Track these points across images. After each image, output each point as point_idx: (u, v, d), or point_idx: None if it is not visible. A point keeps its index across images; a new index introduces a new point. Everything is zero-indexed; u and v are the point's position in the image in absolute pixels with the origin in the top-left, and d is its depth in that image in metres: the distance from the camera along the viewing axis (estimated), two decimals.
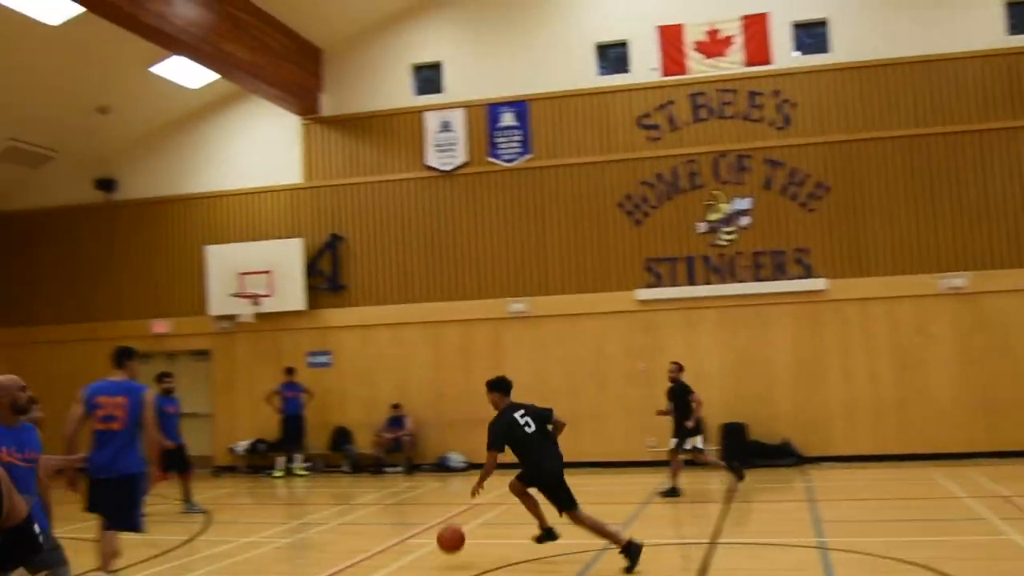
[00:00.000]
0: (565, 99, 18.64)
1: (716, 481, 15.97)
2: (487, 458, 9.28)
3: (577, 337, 18.23)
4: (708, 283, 17.85)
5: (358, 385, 19.22)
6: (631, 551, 8.80)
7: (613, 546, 9.04)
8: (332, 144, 19.70)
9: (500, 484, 11.62)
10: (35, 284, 21.61)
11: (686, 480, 14.50)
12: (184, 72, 18.30)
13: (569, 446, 17.65)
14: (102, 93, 18.58)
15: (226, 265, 19.45)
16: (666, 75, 18.24)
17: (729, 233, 17.84)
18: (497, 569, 9.23)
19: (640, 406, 17.72)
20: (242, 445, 19.51)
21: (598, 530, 9.18)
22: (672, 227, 18.05)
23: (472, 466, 18.21)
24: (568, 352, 18.15)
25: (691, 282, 17.91)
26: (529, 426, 9.51)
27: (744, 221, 17.82)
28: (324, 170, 19.72)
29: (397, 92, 19.43)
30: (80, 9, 14.81)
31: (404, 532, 11.55)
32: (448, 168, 18.97)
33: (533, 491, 9.64)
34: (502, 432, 9.39)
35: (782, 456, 17.10)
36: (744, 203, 17.84)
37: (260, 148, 20.14)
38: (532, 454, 9.46)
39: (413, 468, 18.34)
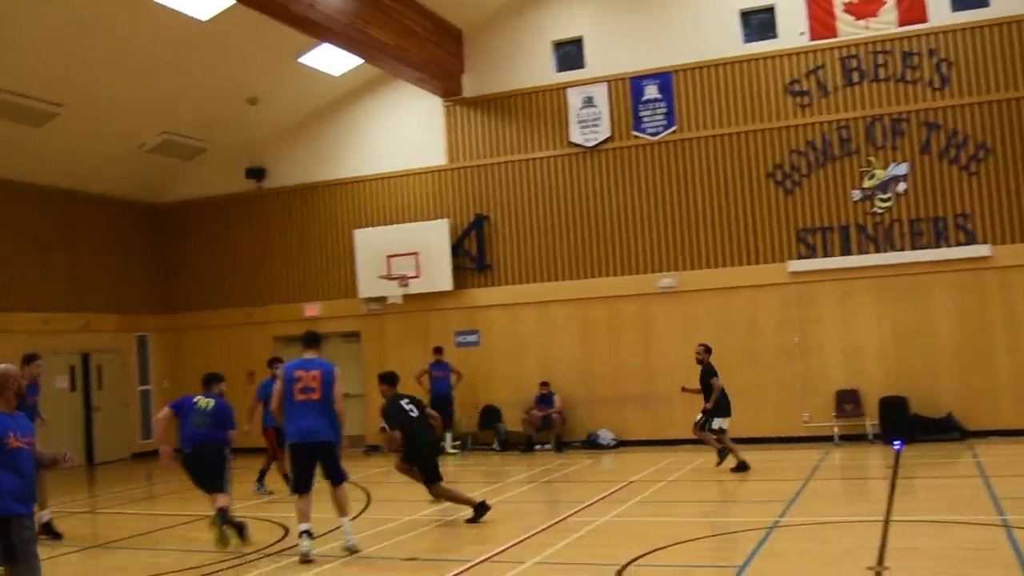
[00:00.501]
0: (710, 69, 18.23)
1: (876, 456, 15.50)
2: (390, 435, 11.30)
3: (728, 311, 17.86)
4: (864, 253, 17.23)
5: (505, 363, 19.29)
6: (481, 508, 10.71)
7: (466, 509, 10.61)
8: (475, 124, 19.76)
9: (646, 462, 11.53)
10: (192, 271, 22.42)
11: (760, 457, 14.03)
12: (329, 60, 18.59)
13: None
14: (251, 84, 19.03)
15: (374, 248, 19.75)
16: (815, 39, 17.63)
17: (885, 200, 17.18)
18: (670, 547, 9.07)
19: (794, 381, 17.35)
20: None
21: (456, 498, 11.17)
22: (825, 196, 17.48)
23: (622, 443, 18.10)
24: (719, 326, 17.79)
25: (846, 252, 17.32)
26: (412, 412, 11.36)
27: (901, 187, 17.12)
28: (467, 151, 19.80)
29: (538, 69, 19.33)
30: (229, 2, 15.19)
31: (564, 510, 11.50)
32: (592, 144, 18.80)
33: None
34: (394, 414, 11.26)
35: (946, 431, 16.41)
36: (901, 168, 17.14)
37: (404, 131, 20.34)
38: (413, 434, 11.21)
39: (563, 446, 18.31)
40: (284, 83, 19.38)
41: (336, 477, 9.75)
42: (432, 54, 18.58)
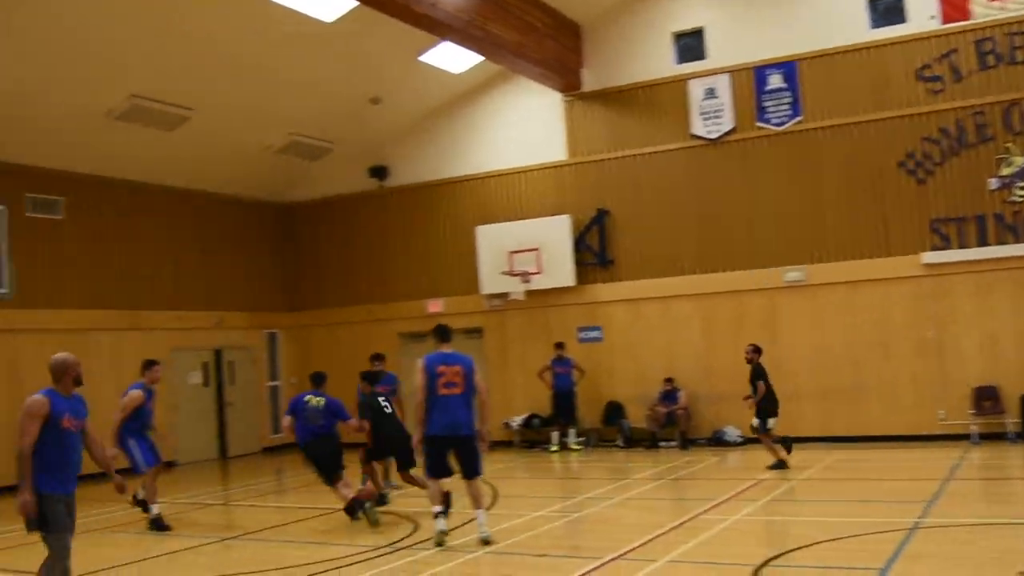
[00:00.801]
0: (836, 56, 17.74)
1: (1018, 456, 14.91)
2: (359, 426, 12.03)
3: (858, 305, 17.36)
4: (1002, 243, 16.51)
5: (628, 359, 19.14)
6: (447, 499, 10.11)
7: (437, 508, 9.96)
8: (595, 119, 19.66)
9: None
10: (318, 270, 22.89)
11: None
12: (449, 58, 18.74)
13: (853, 419, 17.07)
14: (373, 84, 19.30)
15: (496, 244, 19.84)
16: (946, 22, 17.00)
17: None
18: (806, 547, 8.86)
19: (929, 377, 16.77)
20: (516, 420, 19.88)
21: (424, 486, 10.87)
22: (960, 185, 16.83)
23: (748, 440, 17.77)
24: (849, 321, 17.33)
25: (982, 243, 16.63)
26: (387, 408, 12.15)
27: None
28: (588, 145, 19.71)
29: (658, 62, 19.12)
30: (353, 4, 15.42)
31: (694, 508, 11.33)
32: (714, 136, 18.51)
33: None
34: (369, 408, 12.08)
35: None
36: None
37: (524, 127, 20.37)
38: (385, 427, 11.96)
39: (688, 442, 18.08)
40: (406, 82, 19.61)
41: (474, 470, 9.99)
42: (552, 49, 18.56)
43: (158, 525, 12.00)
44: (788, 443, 14.64)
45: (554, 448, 18.73)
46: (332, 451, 11.89)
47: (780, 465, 14.41)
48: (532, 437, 19.69)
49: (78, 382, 7.17)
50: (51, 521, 6.91)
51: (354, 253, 22.37)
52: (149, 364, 12.58)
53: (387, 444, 12.05)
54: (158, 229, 20.21)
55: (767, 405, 14.65)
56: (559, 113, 19.97)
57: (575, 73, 19.54)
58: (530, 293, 19.54)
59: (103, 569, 9.76)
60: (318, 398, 11.99)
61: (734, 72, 18.44)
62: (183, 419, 20.14)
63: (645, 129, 19.15)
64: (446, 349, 10.13)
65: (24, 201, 17.61)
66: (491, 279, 19.89)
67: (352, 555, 9.62)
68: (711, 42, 18.76)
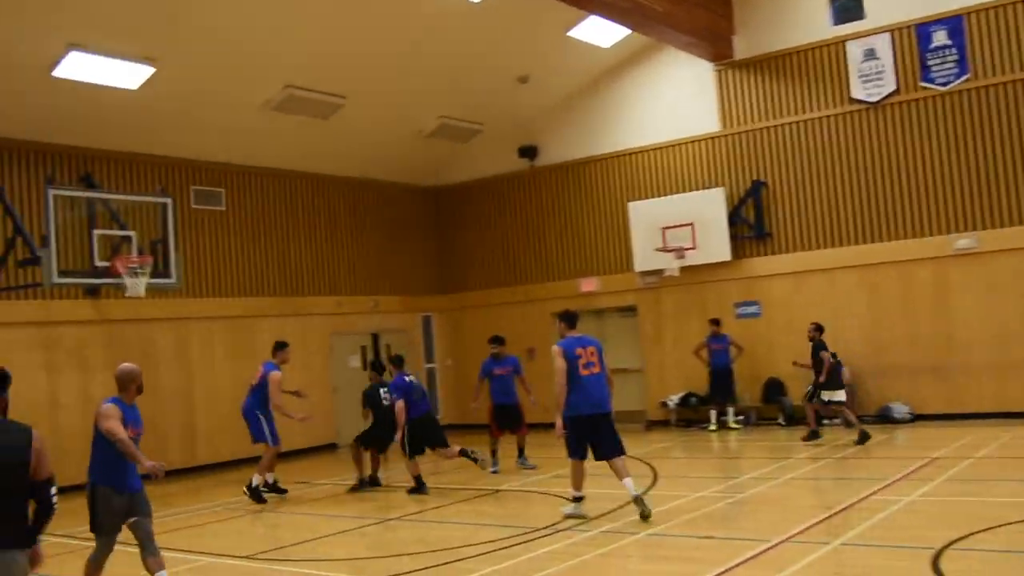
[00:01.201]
0: (1006, 8, 16.61)
1: None
2: (365, 414, 14.10)
3: None
4: None
5: (788, 335, 18.42)
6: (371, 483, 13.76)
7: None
8: (748, 87, 19.04)
9: (947, 437, 10.69)
10: (470, 252, 23.02)
11: None
12: (597, 32, 18.46)
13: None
14: (521, 63, 19.19)
15: (648, 220, 19.49)
16: None
17: None
18: (990, 529, 8.33)
19: None
20: (673, 399, 19.54)
21: (360, 466, 13.75)
22: None
23: (917, 417, 17.00)
24: None
25: None
26: (386, 400, 13.60)
27: None
28: (741, 115, 19.12)
29: (813, 24, 18.34)
30: None
31: (863, 488, 10.81)
32: (875, 99, 17.66)
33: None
34: (371, 399, 13.91)
35: None
36: None
37: (674, 100, 19.92)
38: (381, 418, 13.64)
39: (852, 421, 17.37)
40: (553, 59, 19.43)
41: (620, 447, 10.23)
42: (701, 17, 18.06)
43: (256, 494, 13.03)
44: (865, 436, 14.84)
45: (712, 427, 18.32)
46: (436, 425, 14.07)
47: (813, 436, 15.41)
48: (689, 416, 19.32)
49: (140, 391, 7.68)
50: (100, 515, 7.46)
51: (505, 234, 22.39)
52: (281, 346, 13.88)
53: (382, 432, 13.66)
54: (313, 216, 20.67)
55: (828, 380, 15.24)
56: (710, 83, 19.43)
57: (726, 41, 18.98)
58: (685, 269, 19.11)
59: (274, 549, 10.00)
60: (413, 377, 13.85)
61: (895, 31, 17.53)
62: (342, 402, 20.55)
63: (801, 95, 18.44)
64: (577, 333, 10.51)
65: (190, 194, 18.28)
66: (645, 256, 19.56)
67: (511, 536, 9.57)
68: (869, 1, 17.89)
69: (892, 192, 17.54)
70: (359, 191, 21.70)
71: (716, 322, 18.50)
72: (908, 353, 17.33)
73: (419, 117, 20.16)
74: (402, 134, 20.48)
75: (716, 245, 18.84)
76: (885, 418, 17.27)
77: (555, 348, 10.24)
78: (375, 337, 21.75)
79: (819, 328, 15.70)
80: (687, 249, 18.94)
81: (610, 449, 10.13)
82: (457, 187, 23.16)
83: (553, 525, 9.97)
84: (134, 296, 14.60)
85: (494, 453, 14.74)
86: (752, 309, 18.97)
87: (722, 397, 18.40)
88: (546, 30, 18.03)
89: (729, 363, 18.36)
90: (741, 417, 18.53)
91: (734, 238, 18.91)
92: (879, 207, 17.65)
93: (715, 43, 18.66)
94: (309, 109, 18.00)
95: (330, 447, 19.98)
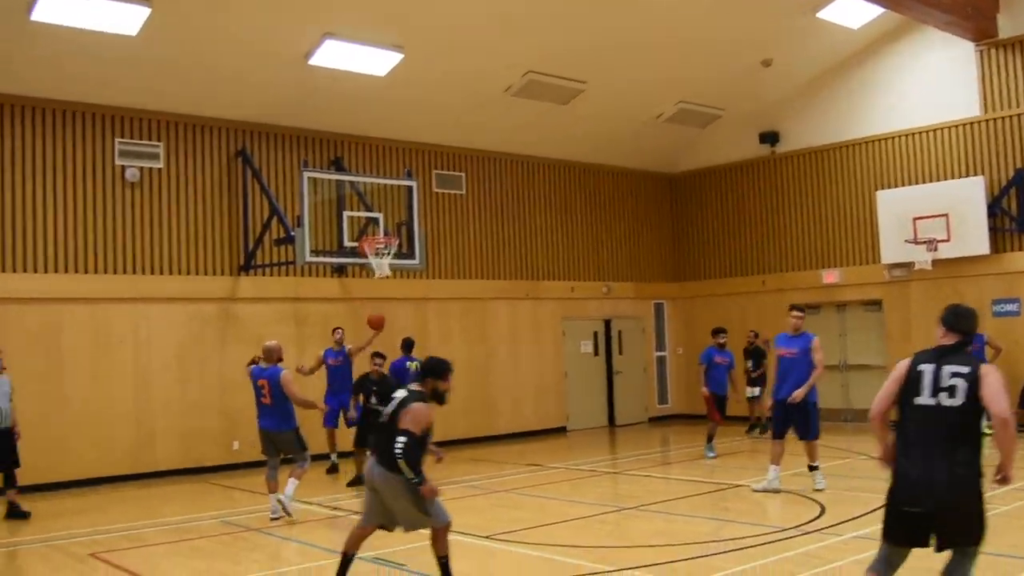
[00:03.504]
0: None
1: None
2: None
3: None
4: None
5: None
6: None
7: None
8: (1015, 69, 17.67)
9: None
10: (704, 240, 22.61)
11: None
12: (847, 13, 17.65)
13: None
14: (765, 46, 18.58)
15: (898, 210, 18.48)
16: None
17: None
18: None
19: None
20: None
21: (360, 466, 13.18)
22: None
23: None
24: None
25: None
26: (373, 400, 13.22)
27: None
28: (1007, 99, 17.78)
29: None
30: None
31: None
32: None
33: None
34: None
35: None
36: None
37: (929, 83, 18.77)
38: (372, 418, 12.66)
39: None
40: (798, 42, 18.72)
41: (813, 431, 11.70)
42: None
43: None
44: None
45: None
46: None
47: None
48: None
49: (280, 360, 11.00)
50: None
51: (742, 222, 21.83)
52: (334, 331, 15.11)
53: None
54: (549, 201, 20.81)
55: None
56: (971, 64, 18.17)
57: (990, 19, 17.69)
58: (937, 262, 18.02)
59: (512, 531, 10.07)
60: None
61: None
62: (573, 387, 20.66)
63: None
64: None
65: (432, 178, 18.77)
66: (893, 247, 18.57)
67: (757, 535, 9.25)
68: None
69: None
70: (595, 176, 21.69)
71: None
72: None
73: (658, 102, 19.91)
74: (640, 119, 20.30)
75: (973, 237, 17.64)
76: None
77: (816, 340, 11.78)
78: (607, 323, 21.71)
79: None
80: (941, 241, 17.85)
81: (803, 433, 11.73)
82: (694, 173, 22.76)
83: (800, 526, 9.59)
84: (380, 276, 15.11)
85: (710, 439, 15.46)
86: (1011, 307, 17.68)
87: None
88: (793, 11, 17.35)
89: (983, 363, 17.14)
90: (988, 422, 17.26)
91: (993, 230, 17.67)
92: None
93: (977, 20, 17.42)
94: (549, 94, 18.08)
95: (560, 430, 20.11)
